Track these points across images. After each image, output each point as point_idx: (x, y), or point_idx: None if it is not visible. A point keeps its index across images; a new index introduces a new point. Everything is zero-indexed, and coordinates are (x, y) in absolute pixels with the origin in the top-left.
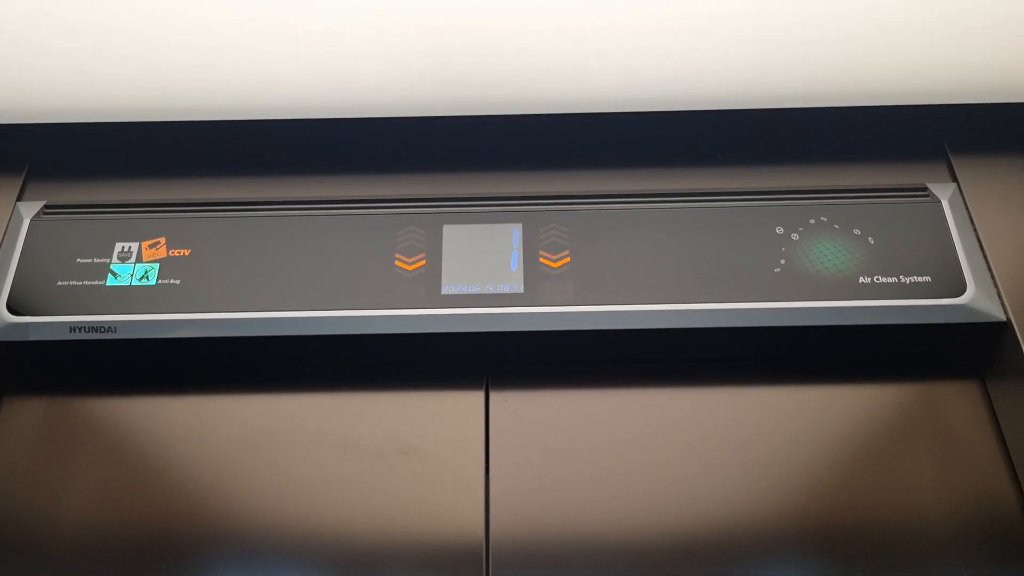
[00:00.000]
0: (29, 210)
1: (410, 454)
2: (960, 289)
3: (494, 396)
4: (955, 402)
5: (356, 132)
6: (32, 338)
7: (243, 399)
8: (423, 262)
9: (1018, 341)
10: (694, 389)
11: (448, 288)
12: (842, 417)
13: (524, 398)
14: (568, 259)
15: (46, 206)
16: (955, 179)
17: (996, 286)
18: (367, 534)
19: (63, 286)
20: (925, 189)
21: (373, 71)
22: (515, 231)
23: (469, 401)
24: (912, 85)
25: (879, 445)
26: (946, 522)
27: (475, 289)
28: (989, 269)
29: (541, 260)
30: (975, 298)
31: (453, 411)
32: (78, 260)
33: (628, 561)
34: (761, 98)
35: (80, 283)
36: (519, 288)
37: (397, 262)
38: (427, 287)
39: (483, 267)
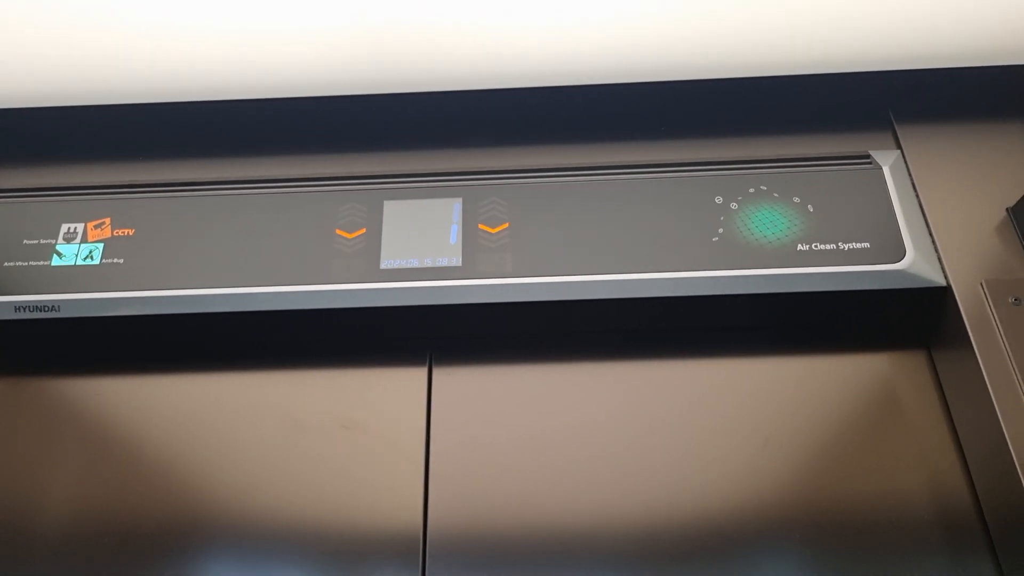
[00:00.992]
0: None
1: (352, 429)
2: (899, 255)
3: (437, 371)
4: (902, 372)
5: (297, 111)
6: None
7: (188, 377)
8: (363, 238)
9: (959, 306)
10: (634, 362)
11: (387, 263)
12: (790, 389)
13: (467, 373)
14: (507, 231)
15: None
16: (899, 146)
17: (937, 251)
18: (307, 508)
19: (9, 267)
20: (868, 157)
21: (313, 50)
22: (455, 205)
23: (412, 377)
24: (857, 52)
25: (827, 417)
26: (894, 492)
27: (414, 263)
28: (930, 235)
29: (480, 233)
30: (914, 263)
31: (397, 387)
32: (24, 242)
33: (565, 538)
34: (704, 68)
35: (26, 264)
36: (458, 261)
37: (337, 238)
38: (366, 262)
39: (423, 241)
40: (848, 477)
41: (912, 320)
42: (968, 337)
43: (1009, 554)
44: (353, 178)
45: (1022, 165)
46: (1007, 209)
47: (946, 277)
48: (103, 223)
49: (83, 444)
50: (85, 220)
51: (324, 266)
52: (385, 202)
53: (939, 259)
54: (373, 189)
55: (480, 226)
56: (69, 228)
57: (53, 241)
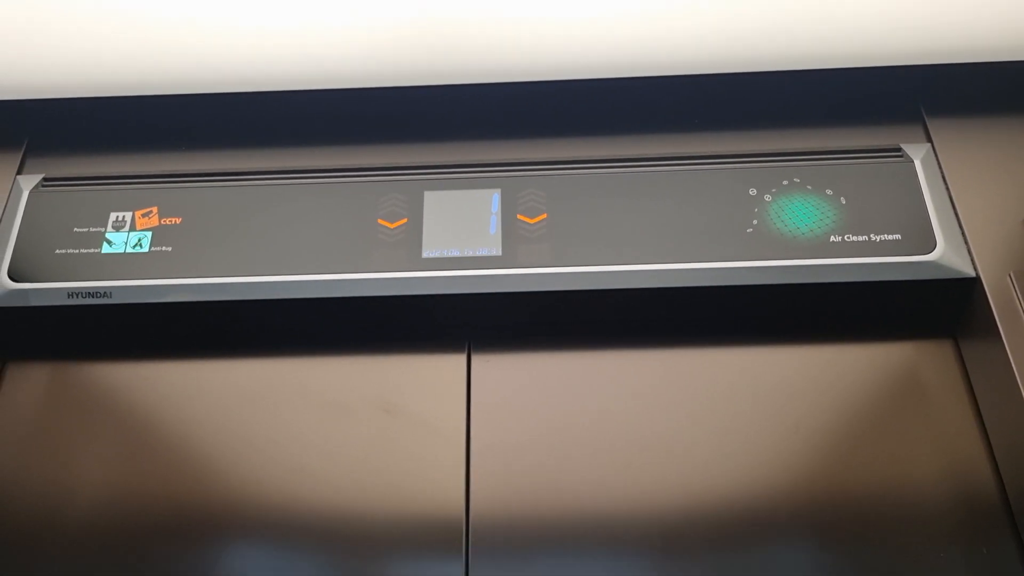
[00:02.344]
0: (28, 183)
1: (394, 414)
2: (930, 246)
3: (476, 359)
4: (929, 362)
5: (340, 103)
6: (32, 303)
7: (232, 363)
8: (404, 227)
9: (987, 297)
10: (668, 351)
11: (428, 252)
12: (819, 378)
13: (505, 361)
14: (545, 223)
15: (44, 179)
16: (930, 140)
17: (967, 243)
18: (350, 492)
19: (61, 254)
20: (899, 150)
21: (357, 42)
22: (494, 196)
23: (452, 364)
24: (888, 47)
25: (854, 406)
26: (919, 480)
27: (455, 252)
28: (960, 227)
29: (519, 224)
30: (944, 254)
31: (436, 374)
32: (75, 229)
33: (604, 522)
34: (738, 62)
35: (77, 251)
36: (497, 251)
37: (379, 227)
38: (408, 251)
39: (463, 231)
40: (874, 465)
41: (940, 311)
42: (996, 327)
43: None
44: (394, 169)
45: None
46: None
47: (975, 268)
48: (151, 212)
49: (130, 429)
50: (133, 209)
51: (367, 255)
52: (425, 192)
53: (968, 251)
54: (414, 180)
55: (519, 216)
56: (118, 216)
57: (102, 229)
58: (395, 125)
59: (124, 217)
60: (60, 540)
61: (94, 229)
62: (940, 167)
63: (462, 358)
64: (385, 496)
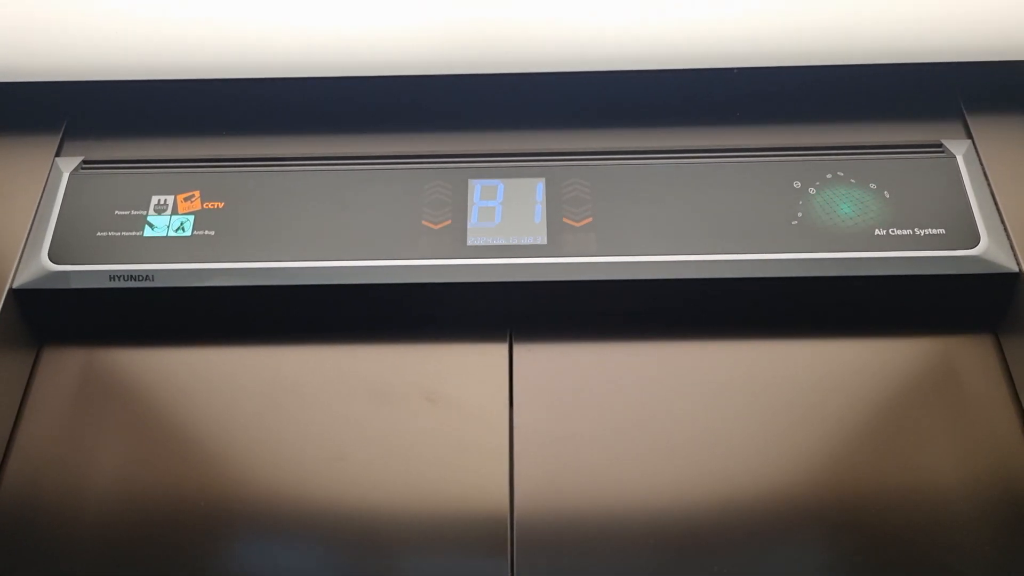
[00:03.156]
0: (68, 165)
1: (436, 402)
2: (974, 241)
3: (517, 348)
4: (969, 357)
5: (386, 90)
6: (74, 286)
7: (274, 351)
8: (449, 215)
9: None
10: (713, 343)
11: (473, 240)
12: (861, 372)
13: (547, 351)
14: (590, 212)
15: (84, 161)
16: (970, 136)
17: (1009, 238)
18: (395, 479)
19: (102, 237)
20: (940, 146)
21: (405, 30)
22: (539, 185)
23: (493, 353)
24: (929, 42)
25: (894, 400)
26: (958, 478)
27: (500, 241)
28: (1002, 222)
29: (564, 213)
30: (988, 249)
31: (478, 362)
32: (116, 212)
33: (652, 513)
34: (783, 56)
35: (119, 234)
36: (543, 240)
37: (425, 215)
38: (453, 239)
39: (508, 220)
40: (912, 462)
41: (982, 306)
42: None
43: None
44: (440, 156)
45: None
46: None
47: (1019, 264)
48: (193, 196)
49: (166, 417)
50: (175, 192)
51: (412, 242)
52: (470, 180)
53: (1011, 246)
54: (459, 168)
55: (564, 206)
56: (160, 200)
57: (144, 212)
58: (441, 113)
59: (166, 201)
60: (86, 533)
61: (136, 212)
62: (981, 163)
63: (504, 348)
64: (427, 484)
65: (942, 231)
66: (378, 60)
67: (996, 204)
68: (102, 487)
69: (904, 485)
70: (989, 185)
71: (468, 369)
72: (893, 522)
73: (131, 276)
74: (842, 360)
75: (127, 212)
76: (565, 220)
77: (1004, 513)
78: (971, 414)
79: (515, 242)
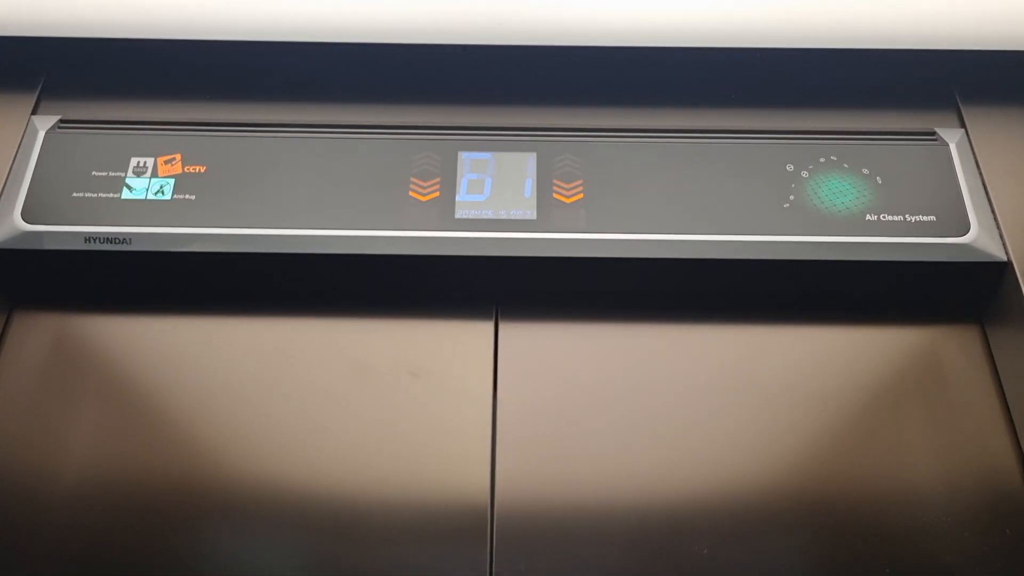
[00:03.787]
0: (44, 123)
1: (420, 376)
2: (964, 229)
3: (503, 326)
4: (954, 346)
5: (378, 59)
6: (47, 247)
7: (255, 321)
8: (437, 187)
9: (1018, 282)
10: (699, 327)
11: (461, 213)
12: (845, 359)
13: (532, 329)
14: (581, 188)
15: (61, 120)
16: (963, 125)
17: (999, 228)
18: (375, 454)
19: (78, 198)
20: (934, 133)
21: None
22: (530, 159)
23: (478, 330)
24: (925, 30)
25: (879, 388)
26: (940, 468)
27: (488, 214)
28: (993, 212)
29: (554, 188)
30: (978, 238)
31: (463, 339)
32: (93, 173)
33: (634, 497)
34: (778, 37)
35: (95, 195)
36: (532, 215)
37: (412, 186)
38: (441, 211)
39: (497, 194)
40: (893, 451)
41: (969, 294)
42: None
43: None
44: (429, 128)
45: None
46: None
47: (1007, 252)
48: (173, 159)
49: (140, 386)
50: (155, 155)
51: (398, 213)
52: (460, 153)
53: (1001, 236)
54: (449, 139)
55: (555, 181)
56: (139, 162)
57: (122, 174)
58: (433, 84)
59: (145, 163)
60: (57, 507)
61: (114, 174)
62: (974, 152)
63: (489, 325)
64: (408, 460)
65: (933, 218)
66: (371, 26)
67: (987, 193)
68: (74, 460)
69: (885, 474)
70: (981, 174)
71: (453, 346)
72: (873, 510)
73: (107, 238)
74: (829, 347)
75: (105, 173)
76: (555, 196)
77: (985, 504)
78: (955, 404)
79: (504, 216)
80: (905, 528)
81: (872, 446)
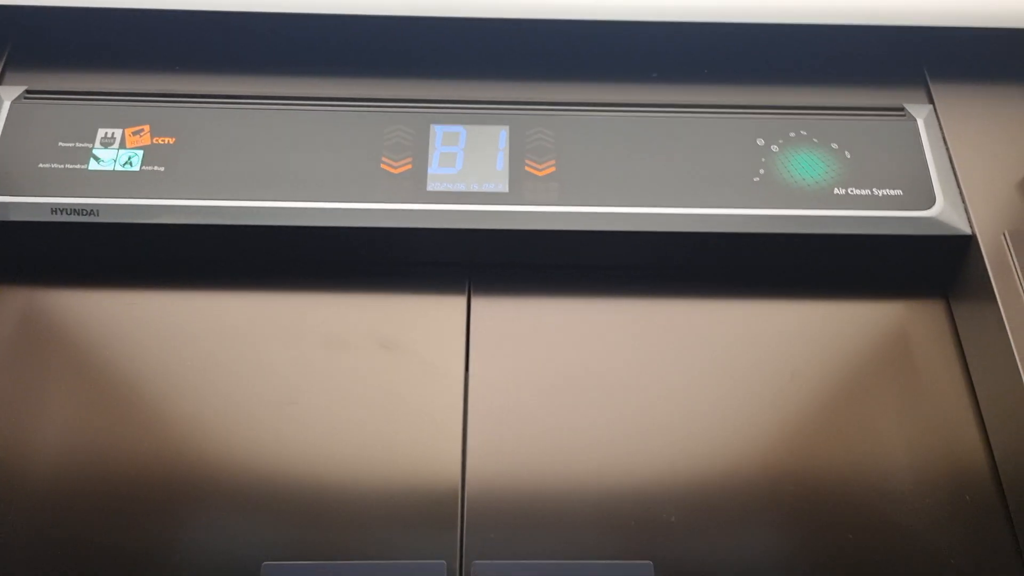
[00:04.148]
0: (9, 94)
1: (391, 349)
2: (929, 203)
3: (476, 300)
4: (920, 321)
5: (350, 30)
6: (12, 218)
7: (229, 294)
8: (410, 159)
9: (982, 256)
10: (668, 300)
11: (433, 185)
12: (811, 334)
13: (505, 304)
14: (553, 162)
15: (27, 91)
16: (931, 101)
17: (964, 202)
18: (346, 426)
19: (45, 169)
20: (902, 109)
21: None
22: (502, 133)
23: (451, 304)
24: (895, 7)
25: (847, 362)
26: (904, 441)
27: (460, 187)
28: (958, 186)
29: (526, 162)
30: (943, 211)
31: (435, 313)
32: (60, 144)
33: (603, 467)
34: (750, 12)
35: (62, 166)
36: (504, 188)
37: (384, 158)
38: (413, 183)
39: (469, 167)
40: (860, 426)
41: (935, 268)
42: (990, 286)
43: None
44: (401, 100)
45: None
46: None
47: (971, 226)
48: (142, 130)
49: (109, 361)
50: (123, 126)
51: (369, 185)
52: (432, 126)
53: (966, 210)
54: (421, 112)
55: (527, 154)
56: (106, 133)
57: (90, 145)
58: (405, 57)
59: (113, 134)
60: (27, 482)
61: (81, 145)
62: (941, 128)
63: (462, 299)
64: (380, 431)
65: (899, 192)
66: None
67: (953, 168)
68: (41, 435)
69: (849, 443)
70: (948, 150)
71: (425, 319)
72: (836, 478)
73: (74, 210)
74: (796, 322)
75: (71, 144)
76: (527, 169)
77: (947, 472)
78: (920, 376)
79: (476, 189)
80: (868, 495)
81: (837, 417)
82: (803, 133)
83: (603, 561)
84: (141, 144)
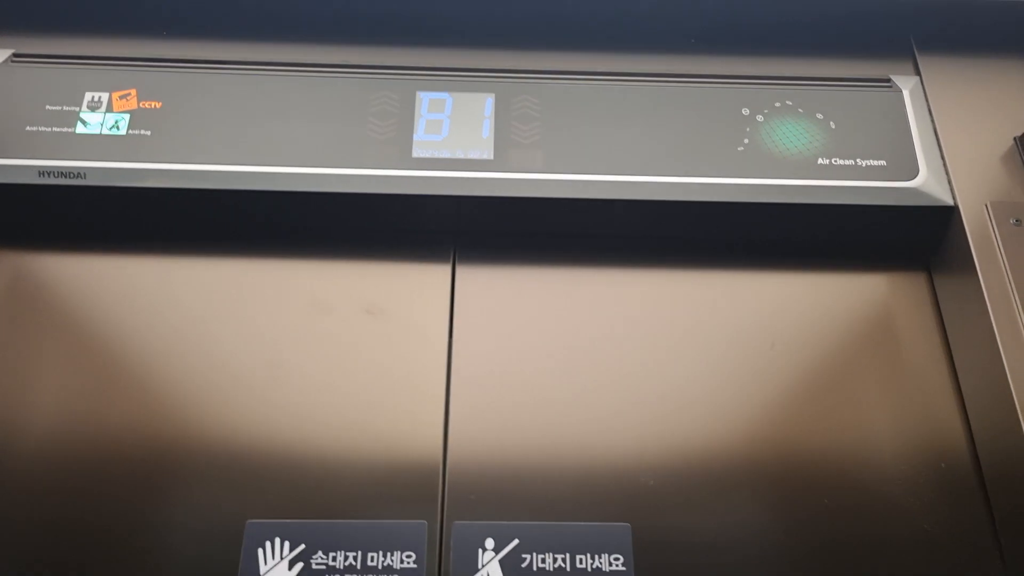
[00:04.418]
0: None
1: (376, 314)
2: (913, 173)
3: (460, 268)
4: (902, 293)
5: None
6: (0, 180)
7: (216, 260)
8: (395, 125)
9: (963, 227)
10: (652, 270)
11: (419, 152)
12: (794, 306)
13: (490, 272)
14: (538, 129)
15: (14, 54)
16: (918, 73)
17: (947, 174)
18: (331, 391)
19: (32, 132)
20: (888, 80)
21: None
22: (488, 100)
23: (436, 272)
24: None
25: (826, 331)
26: (882, 406)
27: (445, 154)
28: (942, 158)
29: (512, 129)
30: (926, 182)
31: (420, 280)
32: (47, 107)
33: (584, 433)
34: None
35: (49, 129)
36: (489, 155)
37: (370, 125)
38: (399, 150)
39: (455, 134)
40: (841, 399)
41: (917, 240)
42: (971, 256)
43: (1001, 488)
44: (388, 67)
45: None
46: (1015, 138)
47: (954, 197)
48: (129, 94)
49: (106, 322)
50: (110, 90)
51: (356, 151)
52: (418, 92)
53: (949, 181)
54: (407, 79)
55: (512, 122)
56: (93, 97)
57: (77, 109)
58: (392, 25)
59: (100, 98)
60: (15, 445)
61: (68, 108)
62: (927, 99)
63: (447, 267)
64: (364, 395)
65: (883, 163)
66: None
67: (938, 140)
68: (28, 399)
69: (828, 411)
70: (932, 121)
71: (410, 286)
72: (813, 445)
73: (61, 173)
74: (779, 292)
75: (58, 108)
76: (513, 136)
77: (923, 440)
78: (900, 346)
79: (461, 156)
80: (845, 461)
81: (817, 386)
82: (788, 103)
83: (582, 523)
84: (128, 108)
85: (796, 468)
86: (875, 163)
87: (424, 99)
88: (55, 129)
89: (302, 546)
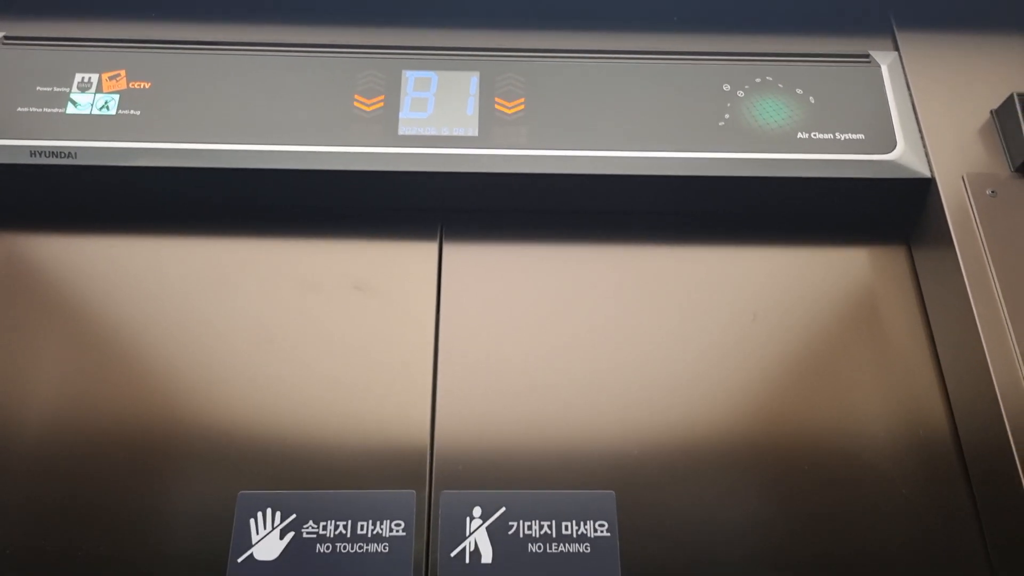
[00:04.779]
0: None
1: (364, 291)
2: (890, 147)
3: (447, 246)
4: (882, 267)
5: None
6: None
7: (205, 239)
8: (381, 104)
9: (941, 199)
10: (635, 246)
11: (405, 129)
12: (776, 281)
13: (476, 249)
14: (522, 106)
15: (5, 36)
16: (897, 49)
17: (925, 147)
18: (319, 367)
19: (23, 112)
20: (867, 56)
21: None
22: (472, 78)
23: (423, 249)
24: None
25: (808, 305)
26: (862, 377)
27: (431, 131)
28: (920, 131)
29: (497, 106)
30: (904, 155)
31: (407, 258)
32: (38, 88)
33: (569, 408)
34: None
35: (40, 110)
36: (474, 132)
37: (356, 103)
38: (384, 128)
39: (440, 111)
40: (822, 374)
41: (896, 213)
42: (947, 227)
43: (977, 454)
44: (373, 47)
45: (1008, 71)
46: (991, 111)
47: (931, 170)
48: (118, 75)
49: (87, 304)
50: (99, 71)
51: (342, 129)
52: (404, 71)
53: (926, 153)
54: (393, 58)
55: (496, 99)
56: (83, 78)
57: (67, 90)
58: (378, 4)
59: (90, 79)
60: (11, 425)
61: (58, 89)
62: (905, 74)
63: (434, 244)
64: (352, 372)
65: (861, 136)
66: None
67: (915, 113)
68: (23, 377)
69: (809, 380)
70: (911, 95)
71: (397, 264)
72: (795, 414)
73: (53, 152)
74: (759, 265)
75: (49, 88)
76: (497, 114)
77: (902, 409)
78: (880, 320)
79: (446, 133)
80: (824, 430)
81: (797, 358)
82: (769, 79)
83: (567, 491)
84: (117, 88)
85: (777, 436)
86: (853, 137)
87: (410, 78)
88: (46, 110)
89: (293, 515)
